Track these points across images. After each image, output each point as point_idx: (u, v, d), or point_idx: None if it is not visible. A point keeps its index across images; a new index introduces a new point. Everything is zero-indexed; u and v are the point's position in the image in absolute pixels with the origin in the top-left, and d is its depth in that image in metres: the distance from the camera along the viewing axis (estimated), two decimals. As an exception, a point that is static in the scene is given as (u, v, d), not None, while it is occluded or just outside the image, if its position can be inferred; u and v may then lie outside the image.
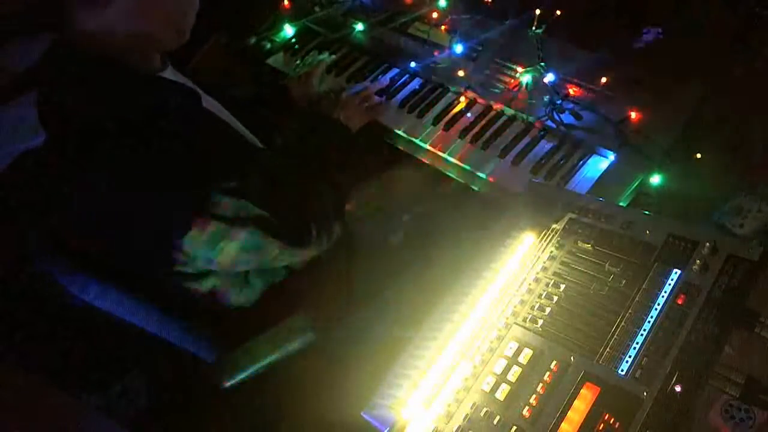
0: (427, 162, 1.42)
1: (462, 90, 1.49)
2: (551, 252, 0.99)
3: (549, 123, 1.34)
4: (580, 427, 0.78)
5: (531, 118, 1.37)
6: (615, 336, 0.85)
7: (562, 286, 0.94)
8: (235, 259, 1.04)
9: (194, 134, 1.02)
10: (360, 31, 1.70)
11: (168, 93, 1.04)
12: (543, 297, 0.95)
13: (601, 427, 0.76)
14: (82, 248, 1.05)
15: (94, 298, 1.05)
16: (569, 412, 0.80)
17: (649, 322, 0.84)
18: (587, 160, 1.28)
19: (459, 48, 1.52)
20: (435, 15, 1.61)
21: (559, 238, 1.01)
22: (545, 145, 1.34)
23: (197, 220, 0.97)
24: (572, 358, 0.85)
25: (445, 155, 1.40)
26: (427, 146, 1.42)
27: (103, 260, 1.05)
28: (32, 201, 1.05)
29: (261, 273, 1.18)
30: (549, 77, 1.35)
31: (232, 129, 1.18)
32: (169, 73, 1.13)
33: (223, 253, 1.02)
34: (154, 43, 1.06)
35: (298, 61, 1.74)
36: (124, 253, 1.05)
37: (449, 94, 1.52)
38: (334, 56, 1.69)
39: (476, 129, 1.41)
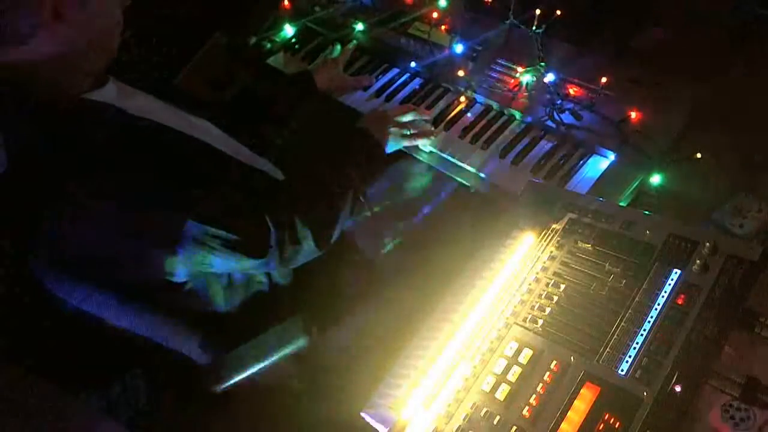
0: (427, 162, 1.42)
1: (462, 90, 1.49)
2: (551, 252, 0.99)
3: (549, 123, 1.34)
4: (580, 427, 0.78)
5: (531, 118, 1.37)
6: (615, 336, 0.85)
7: (562, 286, 0.94)
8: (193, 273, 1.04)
9: (114, 158, 0.97)
10: (360, 31, 1.70)
11: (87, 118, 0.99)
12: (543, 297, 0.95)
13: (601, 427, 0.76)
14: (68, 255, 1.04)
15: (80, 301, 1.04)
16: (569, 412, 0.80)
17: (649, 322, 0.84)
18: (587, 160, 1.28)
19: (459, 48, 1.52)
20: (435, 15, 1.61)
21: (559, 238, 1.01)
22: (545, 145, 1.34)
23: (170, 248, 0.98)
24: (572, 358, 0.85)
25: (445, 155, 1.40)
26: (427, 146, 1.42)
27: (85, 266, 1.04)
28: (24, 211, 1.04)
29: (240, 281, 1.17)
30: (549, 77, 1.35)
31: (189, 141, 1.10)
32: (108, 92, 1.05)
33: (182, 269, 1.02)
34: (77, 69, 0.99)
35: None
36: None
37: (449, 94, 1.52)
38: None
39: (476, 129, 1.41)
